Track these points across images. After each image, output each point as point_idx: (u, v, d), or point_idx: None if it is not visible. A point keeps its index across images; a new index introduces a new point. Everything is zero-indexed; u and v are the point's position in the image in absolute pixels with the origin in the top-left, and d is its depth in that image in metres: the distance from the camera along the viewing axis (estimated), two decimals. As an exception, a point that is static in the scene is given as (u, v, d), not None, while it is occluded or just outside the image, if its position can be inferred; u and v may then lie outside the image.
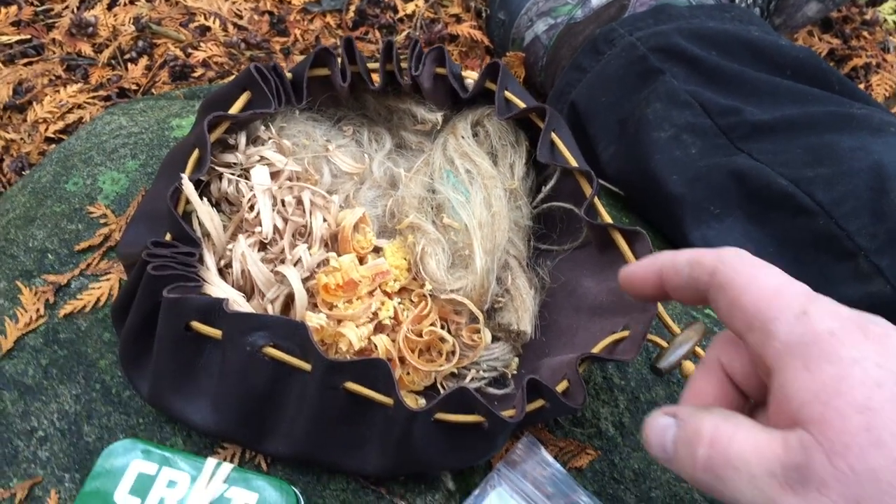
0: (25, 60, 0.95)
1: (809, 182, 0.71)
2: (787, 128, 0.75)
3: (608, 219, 0.63)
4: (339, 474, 0.59)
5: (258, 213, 0.60)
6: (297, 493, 0.55)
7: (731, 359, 0.44)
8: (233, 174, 0.62)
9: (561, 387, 0.55)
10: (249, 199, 0.61)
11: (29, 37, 0.96)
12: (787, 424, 0.38)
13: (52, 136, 0.89)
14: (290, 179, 0.63)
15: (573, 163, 0.64)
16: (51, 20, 0.98)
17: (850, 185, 0.69)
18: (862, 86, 1.13)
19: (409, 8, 1.05)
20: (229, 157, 0.63)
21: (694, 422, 0.41)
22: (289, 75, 0.65)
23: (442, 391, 0.62)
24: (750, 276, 0.41)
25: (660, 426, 0.43)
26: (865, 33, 1.19)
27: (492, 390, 0.62)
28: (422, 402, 0.60)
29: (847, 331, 0.37)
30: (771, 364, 0.39)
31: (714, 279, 0.42)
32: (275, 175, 0.63)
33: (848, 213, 0.69)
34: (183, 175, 0.57)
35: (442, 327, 0.63)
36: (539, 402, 0.55)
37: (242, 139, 0.63)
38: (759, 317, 0.39)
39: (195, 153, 0.59)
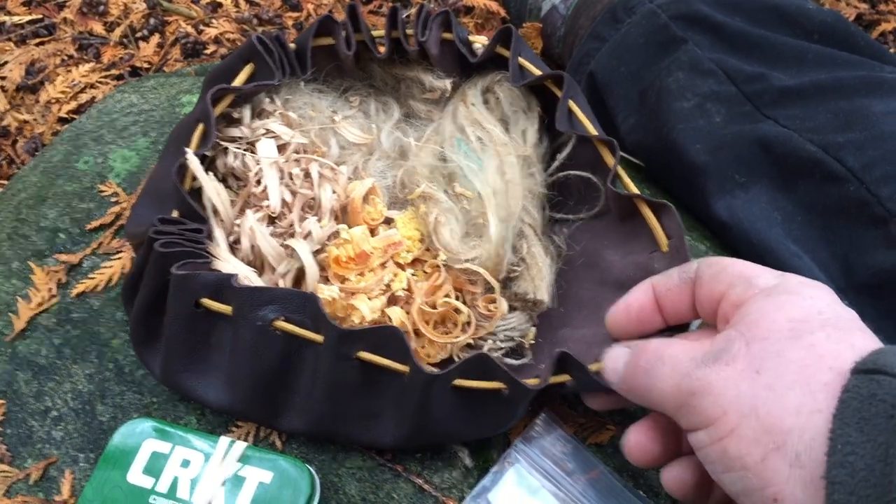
0: (37, 40, 0.94)
1: (839, 147, 0.68)
2: (816, 93, 0.73)
3: (634, 188, 0.62)
4: (355, 452, 0.59)
5: (265, 187, 0.59)
6: (313, 471, 0.55)
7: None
8: (238, 148, 0.61)
9: (595, 366, 0.54)
10: (256, 173, 0.60)
11: (40, 16, 0.95)
12: None
13: (66, 116, 0.88)
14: (297, 152, 0.62)
15: (592, 131, 0.62)
16: (62, -1, 0.98)
17: (881, 149, 0.67)
18: (891, 50, 1.10)
19: (424, -20, 1.03)
20: (234, 131, 0.62)
21: (643, 344, 0.48)
22: (292, 46, 0.64)
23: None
24: (731, 259, 0.48)
25: (616, 354, 0.50)
26: (895, -4, 1.15)
27: (509, 360, 0.61)
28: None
29: (816, 285, 0.43)
30: (746, 303, 0.44)
31: (704, 264, 0.49)
32: (281, 148, 0.62)
33: (879, 178, 0.66)
34: (188, 150, 0.56)
35: (457, 298, 0.62)
36: (564, 377, 0.53)
37: (247, 112, 0.62)
38: (744, 276, 0.45)
39: (199, 128, 0.58)
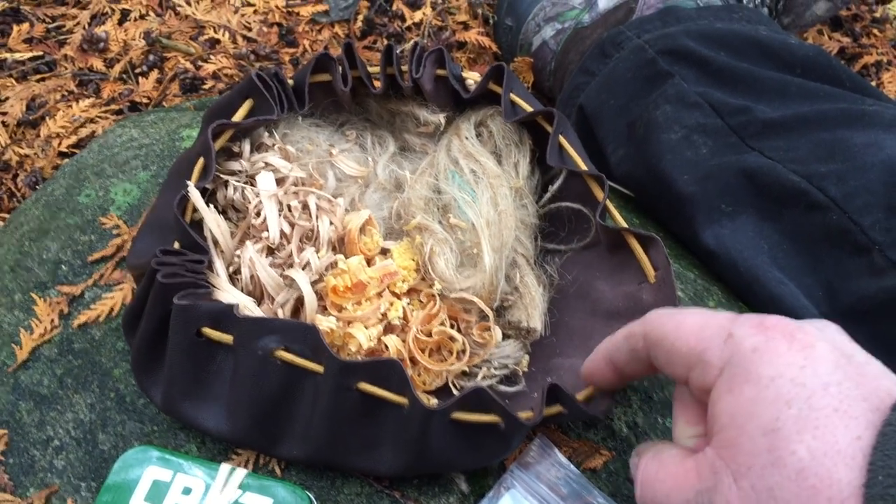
0: (38, 77, 0.96)
1: (822, 177, 0.70)
2: (799, 125, 0.75)
3: (622, 221, 0.64)
4: (354, 479, 0.59)
5: (265, 219, 0.61)
6: (312, 497, 0.55)
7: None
8: (238, 181, 0.63)
9: (584, 393, 0.55)
10: (255, 205, 0.61)
11: (41, 53, 0.97)
12: (710, 440, 0.40)
13: (66, 150, 0.89)
14: (295, 185, 0.63)
15: (582, 166, 0.64)
16: (62, 36, 0.99)
17: (862, 179, 0.69)
18: (873, 83, 1.13)
19: (417, 16, 1.06)
20: (234, 165, 0.63)
21: (642, 463, 0.45)
22: (290, 82, 0.65)
23: (454, 390, 0.62)
24: (675, 324, 0.43)
25: (633, 467, 0.47)
26: (876, 31, 1.18)
27: (503, 388, 0.62)
28: (434, 401, 0.60)
29: (771, 343, 0.39)
30: (712, 398, 0.41)
31: (648, 341, 0.45)
32: (280, 181, 0.63)
33: (861, 207, 0.68)
34: (189, 182, 0.58)
35: (452, 326, 0.63)
36: (557, 408, 0.55)
37: (247, 147, 0.64)
38: (694, 353, 0.42)
39: (200, 161, 0.59)
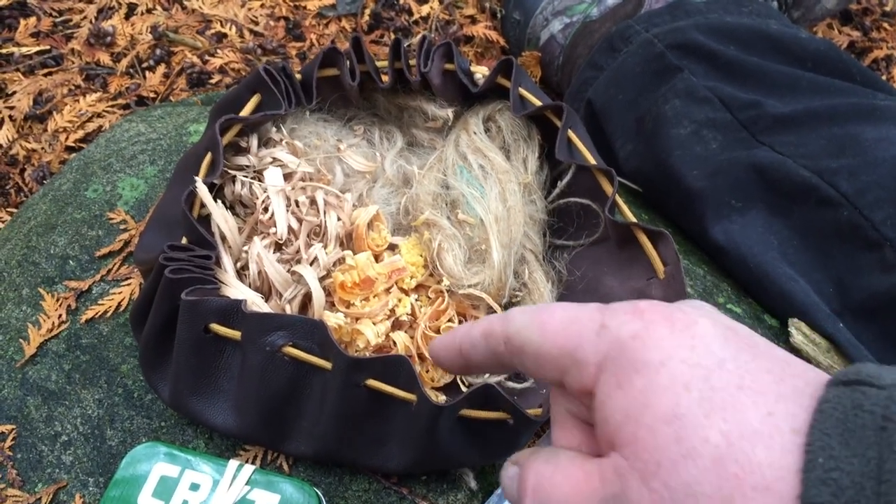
0: (45, 71, 0.96)
1: (833, 173, 0.70)
2: (809, 120, 0.74)
3: (631, 217, 0.63)
4: (361, 475, 0.59)
5: (272, 215, 0.60)
6: (320, 494, 0.55)
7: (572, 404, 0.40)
8: (246, 176, 0.62)
9: None
10: (263, 201, 0.61)
11: (48, 47, 0.97)
12: (607, 449, 0.35)
13: (73, 144, 0.89)
14: (302, 180, 0.63)
15: (591, 161, 0.63)
16: (69, 31, 0.99)
17: (874, 175, 0.69)
18: (884, 77, 1.12)
19: (424, 10, 1.05)
20: (242, 160, 0.63)
21: (523, 471, 0.38)
22: (298, 76, 0.65)
23: (462, 387, 0.61)
24: (539, 324, 0.38)
25: (508, 477, 0.40)
26: (886, 25, 1.18)
27: (511, 384, 0.62)
28: (442, 398, 0.60)
29: (651, 327, 0.35)
30: (598, 399, 0.35)
31: (510, 345, 0.39)
32: (288, 176, 0.63)
33: (872, 202, 0.68)
34: (196, 178, 0.58)
35: (460, 323, 0.63)
36: None
37: (254, 142, 0.64)
38: (565, 353, 0.36)
39: (208, 157, 0.59)
